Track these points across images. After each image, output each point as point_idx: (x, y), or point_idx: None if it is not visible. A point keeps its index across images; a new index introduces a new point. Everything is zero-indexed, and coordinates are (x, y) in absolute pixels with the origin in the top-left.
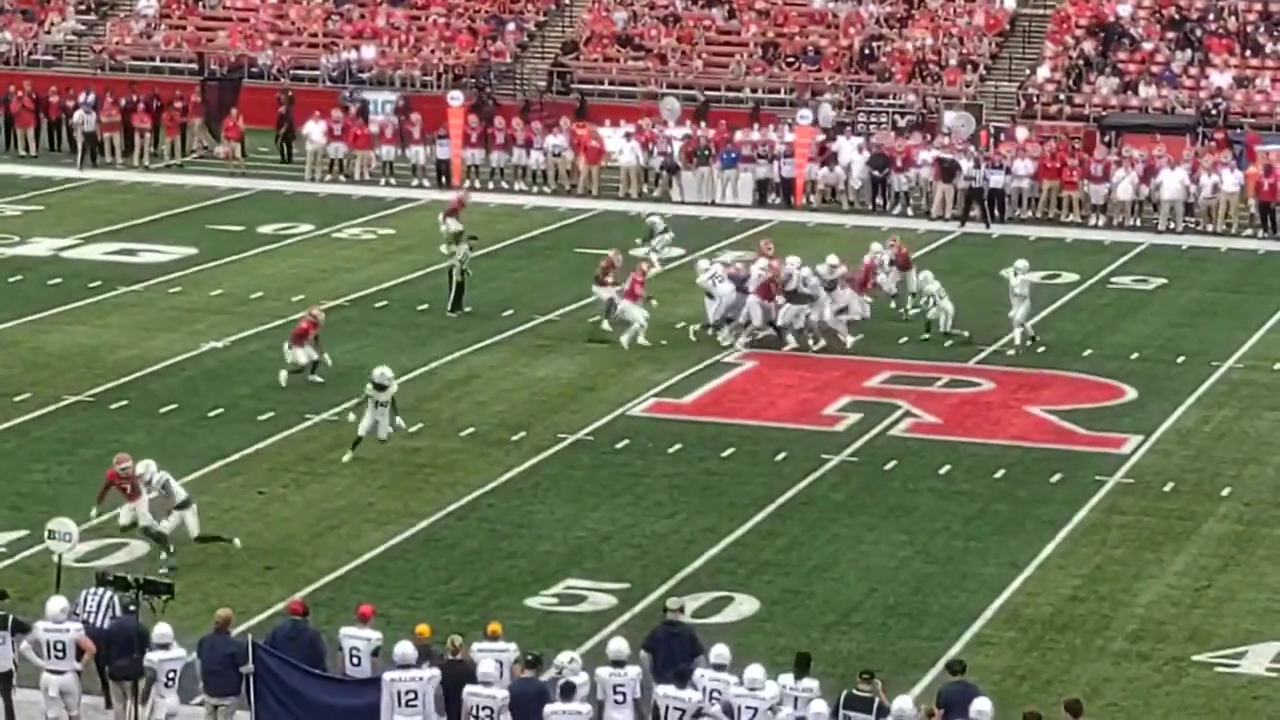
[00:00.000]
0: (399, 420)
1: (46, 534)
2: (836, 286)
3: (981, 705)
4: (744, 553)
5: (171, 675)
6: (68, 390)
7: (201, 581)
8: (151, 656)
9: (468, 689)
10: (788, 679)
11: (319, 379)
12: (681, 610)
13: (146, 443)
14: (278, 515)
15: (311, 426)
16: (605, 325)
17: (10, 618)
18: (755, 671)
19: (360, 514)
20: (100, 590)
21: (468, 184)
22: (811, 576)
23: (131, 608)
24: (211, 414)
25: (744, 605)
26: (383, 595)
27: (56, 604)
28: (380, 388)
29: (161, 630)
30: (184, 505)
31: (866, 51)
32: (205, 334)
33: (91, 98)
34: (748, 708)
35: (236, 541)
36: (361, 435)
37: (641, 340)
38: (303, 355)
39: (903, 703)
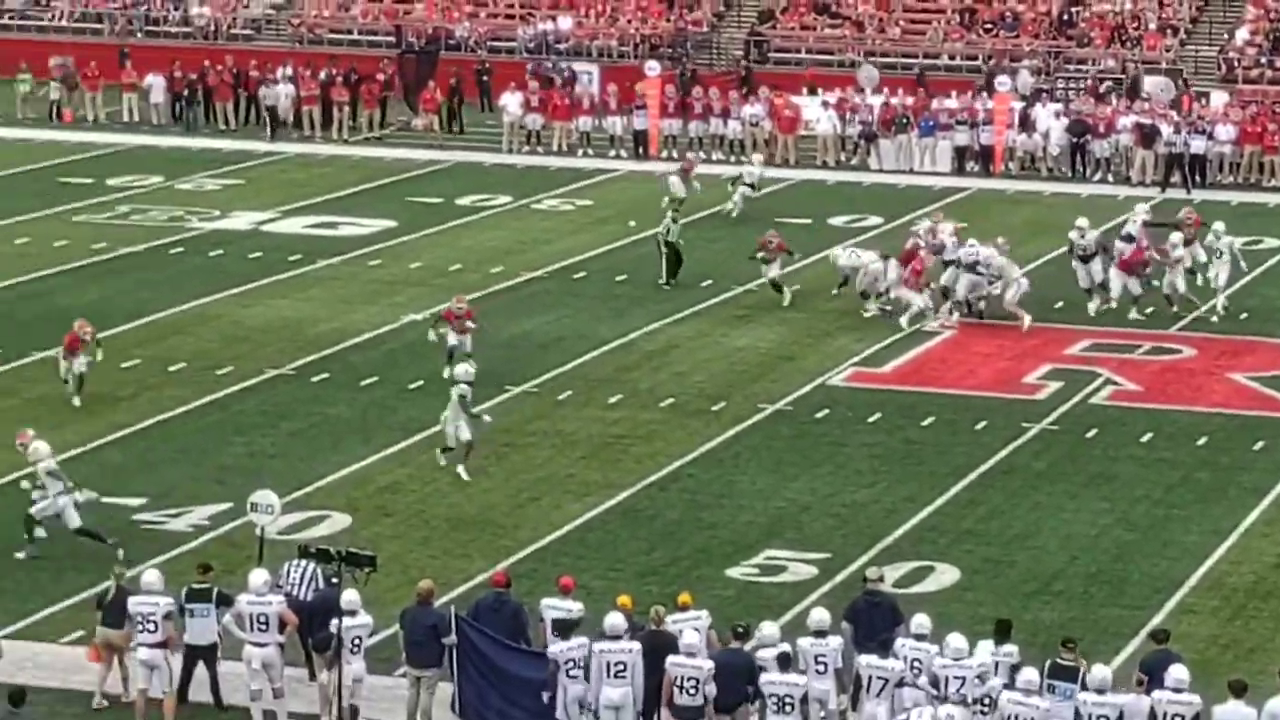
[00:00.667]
0: (484, 417)
1: (249, 507)
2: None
3: (1179, 673)
4: (944, 522)
5: (357, 642)
6: (269, 363)
7: (402, 553)
8: (337, 624)
9: (671, 659)
10: (988, 645)
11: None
12: (881, 580)
13: (348, 415)
14: (478, 487)
15: (512, 398)
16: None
17: (215, 590)
18: (958, 640)
19: (560, 485)
20: (303, 562)
21: (698, 153)
22: (1012, 545)
23: (334, 580)
24: (412, 386)
25: (945, 575)
26: (583, 567)
27: (259, 577)
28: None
29: (349, 597)
30: (68, 491)
31: (1065, 17)
32: (405, 307)
33: (289, 71)
34: (955, 677)
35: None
36: (464, 443)
37: (930, 325)
38: (453, 338)
39: (1101, 672)
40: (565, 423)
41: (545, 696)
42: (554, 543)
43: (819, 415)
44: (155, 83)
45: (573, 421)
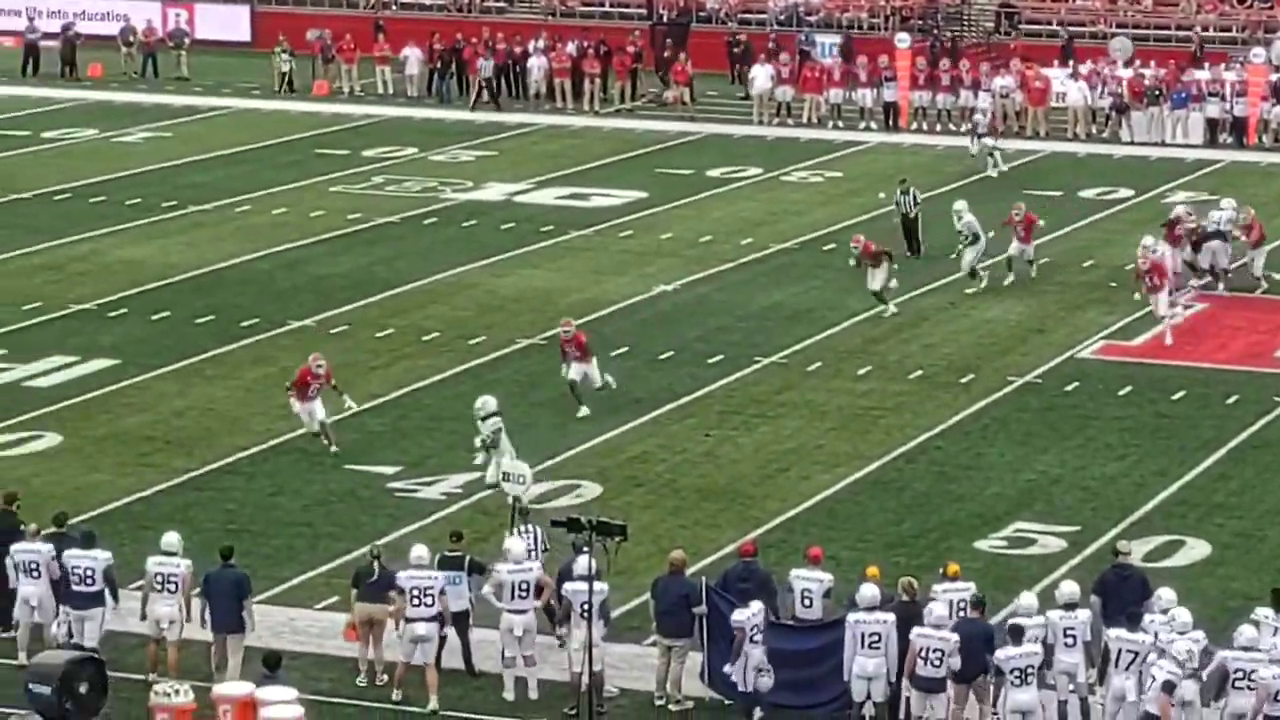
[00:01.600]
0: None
1: (501, 476)
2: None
3: None
4: (1195, 496)
5: (585, 607)
6: (521, 333)
7: (654, 523)
8: (568, 587)
9: (916, 631)
10: (1266, 612)
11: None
12: (1130, 553)
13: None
14: (728, 457)
15: (761, 369)
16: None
17: (467, 558)
18: (1184, 615)
19: (809, 456)
20: (530, 528)
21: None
22: (1264, 520)
23: (585, 549)
24: (662, 356)
25: (1195, 549)
26: (832, 538)
27: (519, 545)
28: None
29: (580, 563)
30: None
31: None
32: (655, 277)
33: (542, 43)
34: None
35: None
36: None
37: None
38: (575, 373)
39: None
40: (814, 394)
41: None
42: (803, 514)
43: (1068, 388)
44: (411, 55)
45: (822, 393)
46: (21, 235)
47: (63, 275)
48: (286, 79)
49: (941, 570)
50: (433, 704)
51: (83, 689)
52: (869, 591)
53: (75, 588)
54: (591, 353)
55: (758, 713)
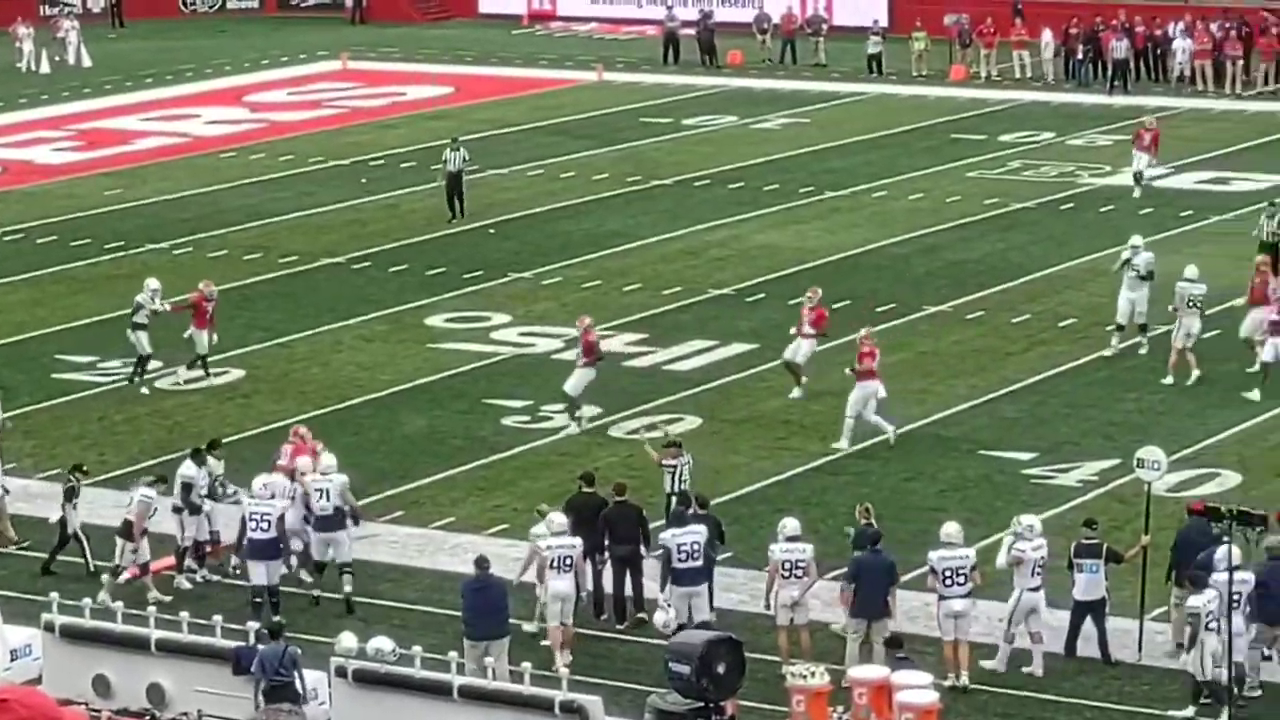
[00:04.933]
0: None
1: (1136, 463)
2: None
3: None
4: None
5: (1237, 599)
6: (1157, 320)
7: None
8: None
9: None
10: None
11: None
12: None
13: (1236, 371)
14: None
15: None
16: None
17: (1104, 545)
18: None
19: None
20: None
21: None
22: None
23: (1225, 538)
24: None
25: None
26: None
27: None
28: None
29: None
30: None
31: None
32: None
33: (1183, 25)
34: None
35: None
36: None
37: None
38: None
39: None
40: None
41: None
42: None
43: None
44: (1046, 37)
45: None
46: (664, 220)
47: (702, 260)
48: (876, 61)
49: None
50: (963, 680)
51: (721, 669)
52: None
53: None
54: None
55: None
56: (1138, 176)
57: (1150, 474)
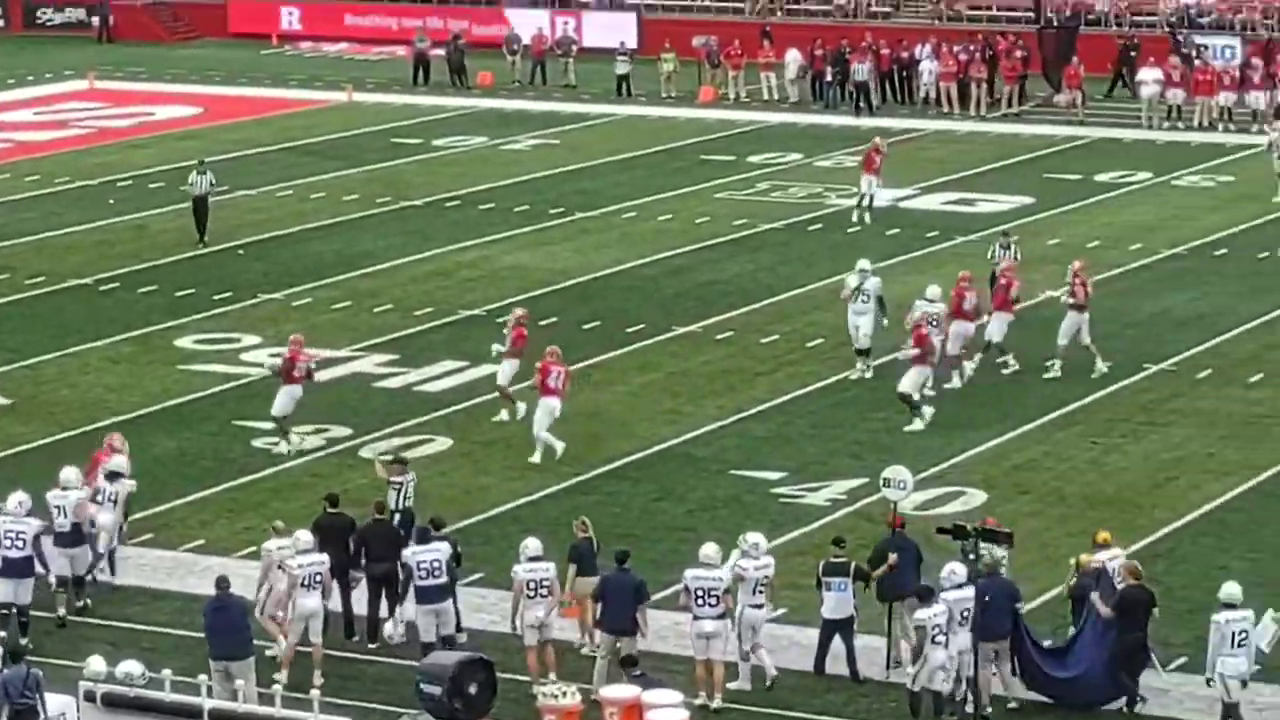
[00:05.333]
0: None
1: (882, 482)
2: None
3: None
4: None
5: (966, 613)
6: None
7: (1039, 530)
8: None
9: None
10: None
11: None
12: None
13: (981, 393)
14: (1115, 465)
15: (1150, 376)
16: None
17: (852, 564)
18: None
19: (1199, 465)
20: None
21: None
22: None
23: (970, 556)
24: (1048, 364)
25: None
26: (1223, 548)
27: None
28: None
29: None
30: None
31: None
32: (1041, 284)
33: (929, 48)
34: None
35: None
36: None
37: None
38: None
39: None
40: (1204, 401)
41: None
42: (1192, 523)
43: None
44: (791, 58)
45: (1212, 400)
46: (415, 241)
47: (453, 281)
48: (624, 82)
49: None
50: (716, 702)
51: (473, 689)
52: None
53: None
54: None
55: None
56: (863, 200)
57: (896, 493)
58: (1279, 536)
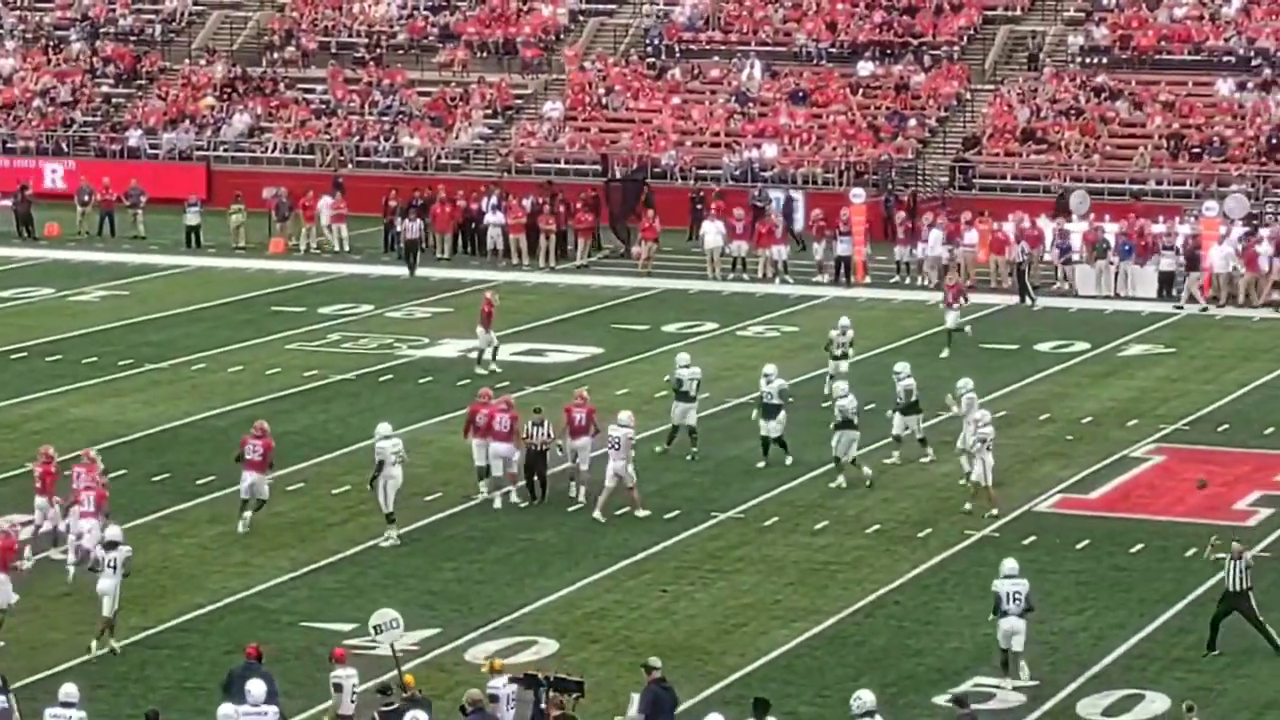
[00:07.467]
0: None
1: (372, 629)
2: None
3: None
4: (1154, 649)
5: None
6: (476, 489)
7: (610, 679)
8: None
9: None
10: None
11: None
12: None
13: (555, 540)
14: (684, 613)
15: (718, 524)
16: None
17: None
18: None
19: (766, 611)
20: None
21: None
22: (1224, 673)
23: (542, 706)
24: (619, 512)
25: (1155, 703)
26: (790, 693)
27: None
28: None
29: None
30: None
31: (1274, 141)
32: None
33: (495, 200)
34: None
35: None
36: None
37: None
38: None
39: None
40: (772, 548)
41: None
42: (760, 669)
43: (1026, 542)
44: (323, 206)
45: (779, 547)
46: None
47: (19, 434)
48: (194, 233)
49: None
50: None
51: None
52: None
53: None
54: None
55: None
56: (483, 354)
57: (393, 634)
58: (845, 681)
